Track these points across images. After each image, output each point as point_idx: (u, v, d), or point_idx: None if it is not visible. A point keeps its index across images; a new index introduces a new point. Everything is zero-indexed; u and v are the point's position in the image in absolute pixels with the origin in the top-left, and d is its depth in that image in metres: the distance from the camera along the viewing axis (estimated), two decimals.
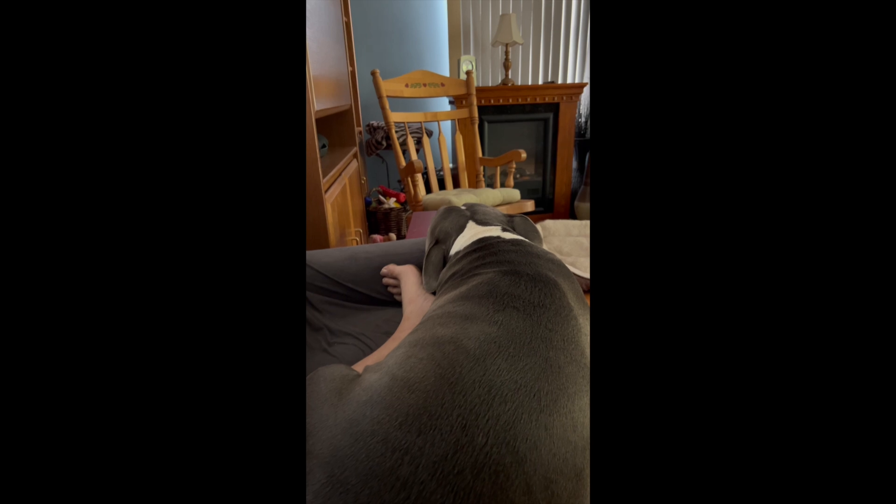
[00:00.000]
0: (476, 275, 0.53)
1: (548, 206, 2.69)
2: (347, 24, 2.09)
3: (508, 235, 0.63)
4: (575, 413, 0.36)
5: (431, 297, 0.67)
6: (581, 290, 0.53)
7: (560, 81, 2.72)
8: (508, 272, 0.51)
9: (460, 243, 0.65)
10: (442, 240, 0.70)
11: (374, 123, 2.43)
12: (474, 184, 2.00)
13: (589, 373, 0.40)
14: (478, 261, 0.57)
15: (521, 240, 0.61)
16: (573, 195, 2.76)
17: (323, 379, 0.41)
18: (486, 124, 2.47)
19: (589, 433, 0.36)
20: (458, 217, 0.70)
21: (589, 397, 0.38)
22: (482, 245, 0.60)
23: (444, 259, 0.68)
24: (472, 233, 0.66)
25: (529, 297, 0.46)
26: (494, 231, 0.65)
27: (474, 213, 0.70)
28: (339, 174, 1.51)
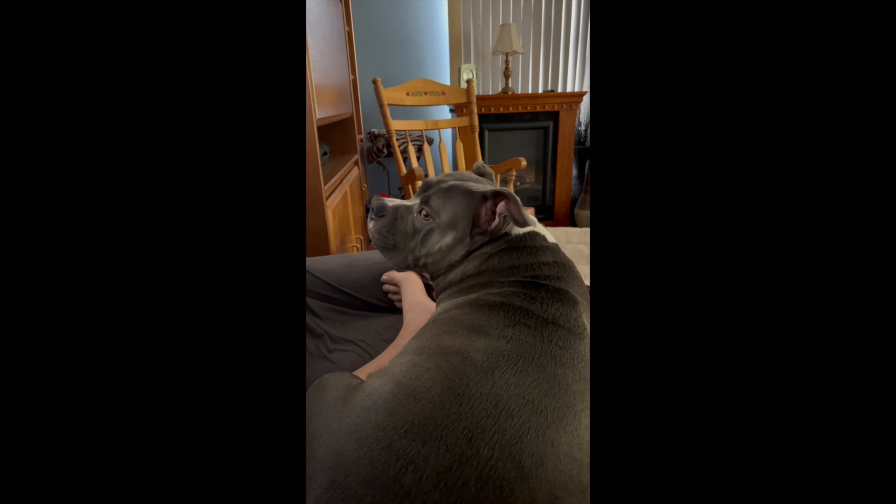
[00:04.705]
0: (492, 283, 0.50)
1: (548, 214, 2.69)
2: (349, 33, 2.11)
3: (549, 238, 0.55)
4: (581, 430, 0.36)
5: (433, 305, 0.66)
6: None
7: (560, 90, 2.73)
8: (528, 283, 0.48)
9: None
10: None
11: (375, 131, 2.44)
12: None
13: None
14: (499, 265, 0.51)
15: (556, 247, 0.54)
16: (573, 203, 2.76)
17: (329, 386, 0.41)
18: (486, 132, 2.48)
19: None
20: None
21: None
22: (510, 246, 0.53)
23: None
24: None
25: (544, 313, 0.44)
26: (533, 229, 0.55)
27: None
28: (341, 181, 1.51)
